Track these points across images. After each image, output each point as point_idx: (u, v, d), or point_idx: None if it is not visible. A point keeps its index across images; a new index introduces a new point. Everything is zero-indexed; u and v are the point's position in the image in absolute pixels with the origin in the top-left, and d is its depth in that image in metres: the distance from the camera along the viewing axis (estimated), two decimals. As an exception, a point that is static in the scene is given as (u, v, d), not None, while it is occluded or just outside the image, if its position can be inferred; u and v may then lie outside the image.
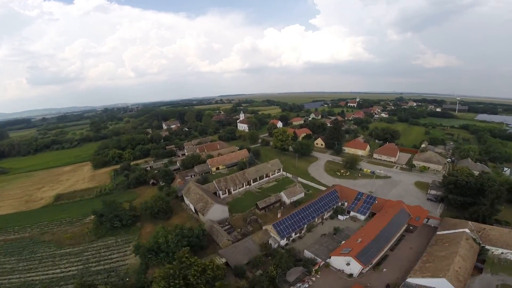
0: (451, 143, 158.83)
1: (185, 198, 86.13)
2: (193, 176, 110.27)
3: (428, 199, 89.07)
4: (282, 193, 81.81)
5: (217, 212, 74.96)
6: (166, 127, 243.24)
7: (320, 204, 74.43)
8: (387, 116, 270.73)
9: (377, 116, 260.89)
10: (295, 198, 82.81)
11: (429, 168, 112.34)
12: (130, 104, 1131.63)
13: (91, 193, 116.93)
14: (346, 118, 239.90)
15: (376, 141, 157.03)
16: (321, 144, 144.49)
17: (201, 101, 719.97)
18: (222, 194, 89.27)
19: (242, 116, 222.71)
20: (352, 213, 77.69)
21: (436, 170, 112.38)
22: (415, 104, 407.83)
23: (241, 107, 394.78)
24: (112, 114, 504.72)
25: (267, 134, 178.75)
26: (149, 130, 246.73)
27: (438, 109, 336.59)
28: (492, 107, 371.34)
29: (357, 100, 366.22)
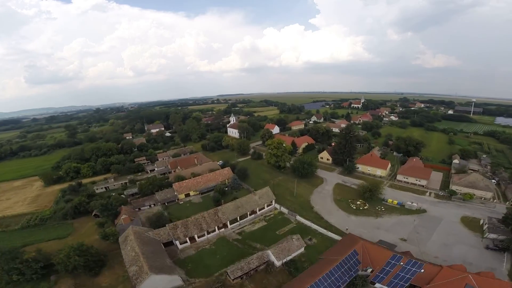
0: (484, 156, 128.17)
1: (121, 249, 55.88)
2: (152, 206, 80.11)
3: (487, 247, 59.55)
4: (269, 252, 51.40)
5: (160, 282, 45.19)
6: (148, 131, 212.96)
7: (331, 279, 44.09)
8: (397, 119, 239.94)
9: (387, 119, 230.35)
10: (290, 257, 52.53)
11: (474, 195, 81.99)
12: (127, 104, 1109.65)
13: (19, 222, 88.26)
14: (352, 122, 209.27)
15: (395, 153, 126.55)
16: (327, 159, 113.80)
17: (197, 101, 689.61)
18: (181, 244, 58.99)
19: (232, 120, 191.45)
20: (378, 285, 47.58)
21: (484, 198, 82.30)
22: (422, 105, 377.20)
23: (237, 108, 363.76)
24: (100, 116, 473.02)
25: (260, 143, 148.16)
26: (128, 135, 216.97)
27: (450, 111, 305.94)
28: (505, 109, 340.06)
29: (362, 101, 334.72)
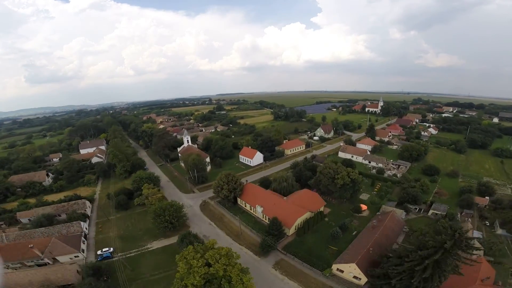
0: None
1: None
2: None
3: None
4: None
5: None
6: (65, 157, 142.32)
7: None
8: (436, 132, 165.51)
9: (425, 134, 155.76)
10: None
11: None
12: (124, 103, 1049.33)
13: None
14: (379, 139, 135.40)
15: (500, 231, 53.41)
16: (356, 277, 40.98)
17: (191, 101, 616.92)
18: None
19: (186, 140, 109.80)
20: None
21: None
22: (451, 109, 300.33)
23: (222, 112, 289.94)
24: (64, 122, 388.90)
25: (213, 198, 75.59)
26: (56, 156, 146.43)
27: (495, 119, 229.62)
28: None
29: (381, 104, 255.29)
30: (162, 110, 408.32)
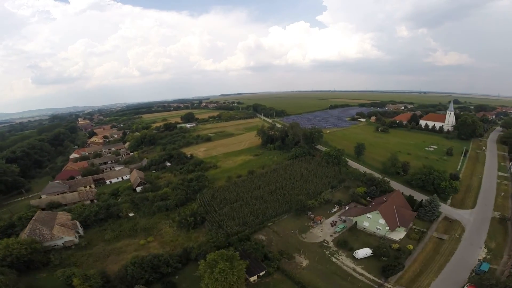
0: None
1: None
2: None
3: None
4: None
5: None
6: None
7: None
8: None
9: None
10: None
11: None
12: (125, 104, 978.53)
13: None
14: None
15: None
16: None
17: (187, 101, 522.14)
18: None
19: None
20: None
21: None
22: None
23: (190, 125, 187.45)
24: (17, 131, 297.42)
25: None
26: None
27: None
28: None
29: (451, 115, 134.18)
30: (134, 116, 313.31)
